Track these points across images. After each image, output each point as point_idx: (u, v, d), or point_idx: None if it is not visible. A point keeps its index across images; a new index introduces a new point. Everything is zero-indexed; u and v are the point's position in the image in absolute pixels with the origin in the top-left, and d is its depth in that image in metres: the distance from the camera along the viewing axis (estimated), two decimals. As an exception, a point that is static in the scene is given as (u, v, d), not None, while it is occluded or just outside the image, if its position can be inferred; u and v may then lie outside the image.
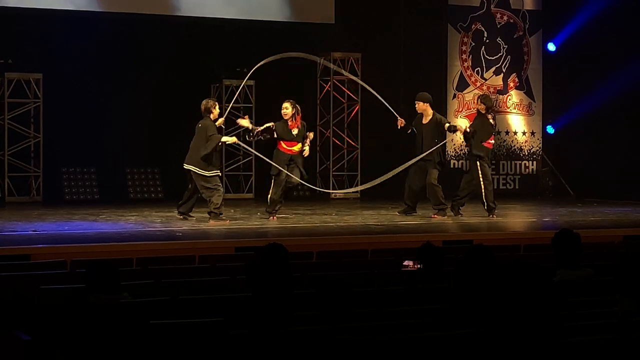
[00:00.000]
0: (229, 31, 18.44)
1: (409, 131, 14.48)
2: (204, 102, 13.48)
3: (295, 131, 13.73)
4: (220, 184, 13.34)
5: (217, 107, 13.45)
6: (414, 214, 14.45)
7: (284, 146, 13.76)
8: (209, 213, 13.21)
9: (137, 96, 17.91)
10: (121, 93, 17.82)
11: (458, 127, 14.79)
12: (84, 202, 17.37)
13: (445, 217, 14.18)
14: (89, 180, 17.91)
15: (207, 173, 13.17)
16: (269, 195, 13.84)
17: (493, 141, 14.72)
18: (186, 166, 13.29)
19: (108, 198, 17.48)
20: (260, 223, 13.40)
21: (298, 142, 13.77)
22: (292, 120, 13.73)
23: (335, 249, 10.52)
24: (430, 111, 14.44)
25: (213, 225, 12.90)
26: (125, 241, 10.80)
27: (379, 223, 13.48)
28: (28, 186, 17.46)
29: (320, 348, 4.82)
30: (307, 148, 13.87)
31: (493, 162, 17.49)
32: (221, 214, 13.20)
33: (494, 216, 14.22)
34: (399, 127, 14.54)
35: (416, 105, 14.47)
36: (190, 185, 13.42)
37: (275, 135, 13.72)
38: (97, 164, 18.02)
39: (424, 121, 14.43)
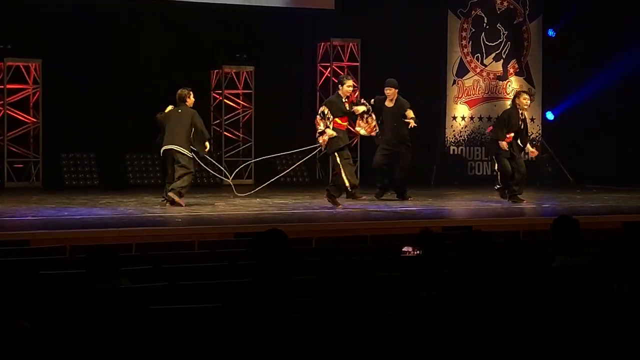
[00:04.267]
0: (229, 17, 18.39)
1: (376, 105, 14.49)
2: (178, 91, 13.64)
3: (347, 106, 13.91)
4: (192, 167, 13.57)
5: (191, 95, 13.65)
6: (406, 199, 14.59)
7: (339, 122, 13.83)
8: (171, 189, 13.30)
9: (136, 82, 17.88)
10: (120, 79, 17.78)
11: (408, 118, 14.50)
12: (83, 187, 17.36)
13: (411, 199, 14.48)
14: (88, 165, 17.90)
15: (189, 154, 13.41)
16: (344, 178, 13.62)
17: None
18: (170, 146, 13.41)
19: (107, 184, 17.47)
20: (259, 209, 13.40)
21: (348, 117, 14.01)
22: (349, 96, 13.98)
23: (334, 235, 10.53)
24: (396, 95, 14.53)
25: (171, 197, 13.14)
26: (125, 227, 10.79)
27: (379, 209, 13.47)
28: (27, 172, 17.46)
29: (319, 335, 4.82)
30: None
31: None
32: (182, 196, 13.32)
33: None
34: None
35: (388, 91, 14.52)
36: (168, 172, 13.60)
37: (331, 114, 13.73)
38: (96, 150, 18.00)
39: (388, 105, 14.52)
